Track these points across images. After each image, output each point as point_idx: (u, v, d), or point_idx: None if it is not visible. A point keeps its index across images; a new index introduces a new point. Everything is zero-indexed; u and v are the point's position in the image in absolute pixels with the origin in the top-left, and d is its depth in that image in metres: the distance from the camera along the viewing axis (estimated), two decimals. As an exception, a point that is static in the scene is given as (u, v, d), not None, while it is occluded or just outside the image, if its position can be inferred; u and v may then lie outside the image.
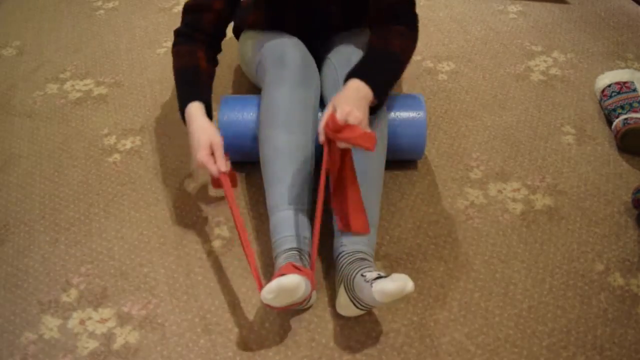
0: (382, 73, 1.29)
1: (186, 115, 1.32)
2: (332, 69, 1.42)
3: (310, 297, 1.18)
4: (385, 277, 1.07)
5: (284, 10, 1.48)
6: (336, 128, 1.12)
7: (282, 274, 1.08)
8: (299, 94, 1.33)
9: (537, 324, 1.21)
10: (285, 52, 1.39)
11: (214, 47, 1.46)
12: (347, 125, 1.12)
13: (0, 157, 1.64)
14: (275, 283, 1.05)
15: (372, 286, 1.06)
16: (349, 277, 1.15)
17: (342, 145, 1.13)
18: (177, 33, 1.44)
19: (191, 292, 1.28)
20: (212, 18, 1.41)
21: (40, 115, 1.78)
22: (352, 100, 1.18)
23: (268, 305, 1.10)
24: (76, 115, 1.77)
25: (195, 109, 1.31)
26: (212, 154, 1.26)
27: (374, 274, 1.10)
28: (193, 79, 1.37)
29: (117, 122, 1.73)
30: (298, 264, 1.15)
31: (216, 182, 1.34)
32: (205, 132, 1.27)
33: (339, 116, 1.12)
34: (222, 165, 1.25)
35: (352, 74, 1.25)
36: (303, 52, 1.42)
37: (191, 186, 1.52)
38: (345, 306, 1.18)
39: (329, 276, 1.30)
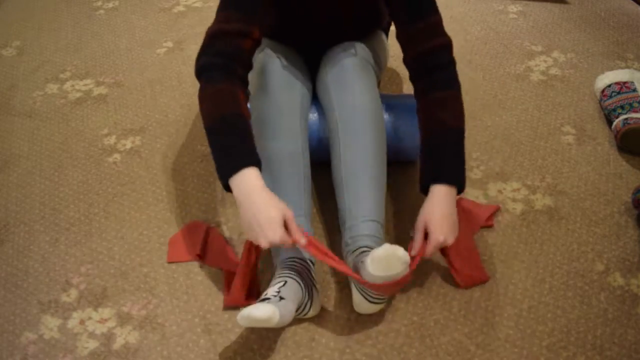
0: (455, 160, 1.22)
1: (239, 183, 1.10)
2: (321, 68, 1.38)
3: (308, 309, 1.18)
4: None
5: (287, 21, 1.41)
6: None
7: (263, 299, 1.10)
8: (281, 99, 1.30)
9: (537, 324, 1.21)
10: (266, 61, 1.34)
11: (246, 86, 1.21)
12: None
13: (0, 157, 1.64)
14: (246, 313, 1.04)
15: (365, 262, 1.08)
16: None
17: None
18: (208, 65, 1.16)
19: (191, 292, 1.28)
20: (251, 47, 1.19)
21: (40, 115, 1.78)
22: (444, 219, 1.18)
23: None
24: (76, 115, 1.77)
25: (254, 178, 1.10)
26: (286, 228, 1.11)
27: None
28: (242, 135, 1.13)
29: (117, 122, 1.73)
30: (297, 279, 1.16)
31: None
32: (275, 207, 1.09)
33: (428, 252, 1.18)
34: (301, 237, 1.10)
35: (429, 179, 1.21)
36: (284, 58, 1.36)
37: (191, 186, 1.52)
38: (359, 303, 1.19)
39: (327, 277, 1.30)
